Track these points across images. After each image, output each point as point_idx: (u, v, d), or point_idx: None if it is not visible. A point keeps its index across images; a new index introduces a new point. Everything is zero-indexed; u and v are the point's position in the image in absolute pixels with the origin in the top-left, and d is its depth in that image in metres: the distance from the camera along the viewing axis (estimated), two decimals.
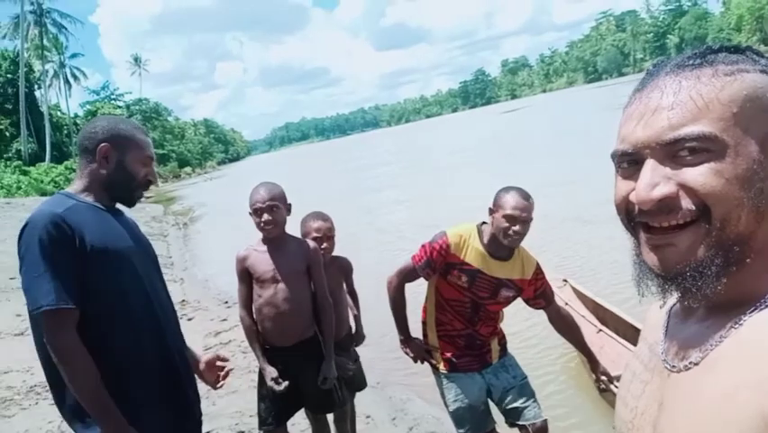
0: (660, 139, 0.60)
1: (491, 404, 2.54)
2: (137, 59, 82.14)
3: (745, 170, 0.58)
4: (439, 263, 2.41)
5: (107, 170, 1.75)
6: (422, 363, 2.60)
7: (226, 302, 7.33)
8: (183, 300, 7.75)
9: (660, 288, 0.64)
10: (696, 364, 0.62)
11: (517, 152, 21.60)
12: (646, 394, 0.70)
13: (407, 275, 2.51)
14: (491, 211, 2.34)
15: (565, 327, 2.57)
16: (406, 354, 2.61)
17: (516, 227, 2.25)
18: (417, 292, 2.75)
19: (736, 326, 0.60)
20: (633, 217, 0.64)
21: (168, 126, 77.24)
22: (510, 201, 2.26)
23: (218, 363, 2.03)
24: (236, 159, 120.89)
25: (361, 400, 4.13)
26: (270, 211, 2.44)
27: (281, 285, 2.49)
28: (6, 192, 25.09)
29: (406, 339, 2.60)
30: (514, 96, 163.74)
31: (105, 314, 1.66)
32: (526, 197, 2.28)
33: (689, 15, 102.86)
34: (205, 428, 2.38)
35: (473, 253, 2.37)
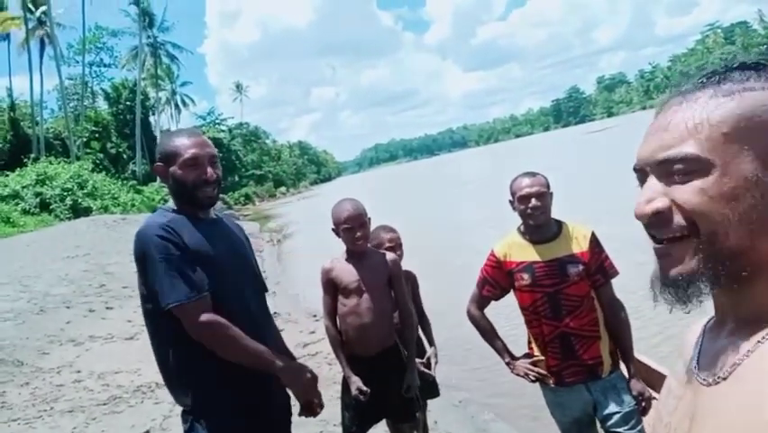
0: (653, 158, 0.66)
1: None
2: (239, 86, 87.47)
3: (732, 188, 0.61)
4: (498, 278, 2.47)
5: (169, 185, 1.91)
6: (534, 380, 2.47)
7: (315, 315, 7.59)
8: (275, 312, 8.05)
9: (660, 293, 0.68)
10: (724, 379, 0.64)
11: (598, 173, 20.66)
12: (679, 409, 0.71)
13: (477, 300, 2.57)
14: (511, 203, 2.44)
15: (614, 317, 2.38)
16: (517, 375, 2.53)
17: (532, 203, 2.32)
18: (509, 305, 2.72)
19: (763, 340, 0.62)
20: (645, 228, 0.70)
21: (265, 148, 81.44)
22: (518, 184, 2.38)
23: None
24: (327, 179, 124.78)
25: (443, 418, 4.13)
26: (362, 227, 2.57)
27: (365, 296, 2.58)
28: (122, 209, 27.46)
29: (510, 360, 2.53)
30: (610, 114, 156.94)
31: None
32: (532, 174, 2.40)
33: None
34: None
35: (519, 249, 2.42)
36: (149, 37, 49.36)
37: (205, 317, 1.74)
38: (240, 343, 1.76)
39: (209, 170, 1.88)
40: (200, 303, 1.74)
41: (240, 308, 1.87)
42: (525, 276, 2.38)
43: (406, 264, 3.21)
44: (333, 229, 2.64)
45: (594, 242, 2.38)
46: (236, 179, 60.97)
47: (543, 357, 2.43)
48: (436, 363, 3.10)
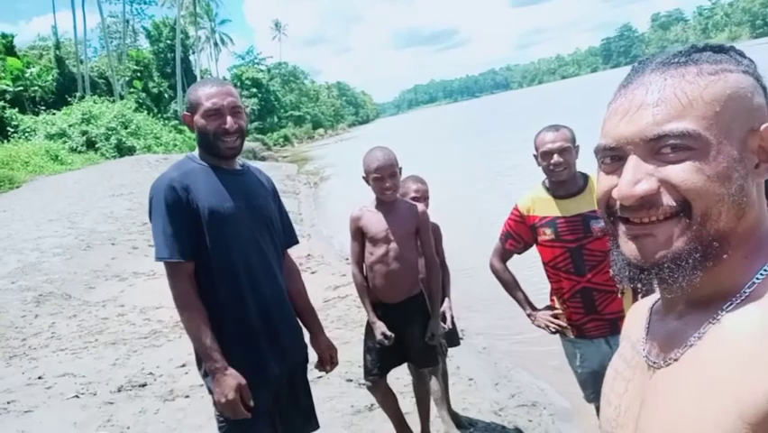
0: (644, 135, 0.61)
1: None
2: (277, 25, 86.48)
3: (725, 168, 0.59)
4: (521, 232, 2.47)
5: (195, 133, 1.95)
6: (554, 332, 2.51)
7: (347, 259, 7.71)
8: (308, 255, 8.28)
9: (636, 279, 0.64)
10: (676, 360, 0.63)
11: None
12: (629, 392, 0.70)
13: (500, 253, 2.60)
14: (535, 158, 2.40)
15: None
16: (538, 326, 2.57)
17: (554, 158, 2.30)
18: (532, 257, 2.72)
19: (714, 321, 0.61)
20: (613, 212, 0.65)
21: (304, 89, 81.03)
22: (541, 139, 2.35)
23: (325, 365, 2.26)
24: (366, 121, 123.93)
25: (466, 363, 4.22)
26: (392, 177, 2.57)
27: (393, 244, 2.62)
28: (165, 148, 28.06)
29: (531, 312, 2.57)
30: None
31: (209, 266, 1.88)
32: (555, 128, 2.35)
33: None
34: (317, 374, 2.62)
35: (543, 204, 2.41)
36: None
37: (180, 284, 1.83)
38: (193, 323, 1.82)
39: (229, 119, 1.89)
40: (180, 267, 1.83)
41: (245, 259, 1.92)
42: (548, 231, 2.38)
43: (431, 216, 3.22)
44: (363, 177, 2.66)
45: None
46: (275, 120, 61.17)
47: (563, 310, 2.45)
48: (451, 315, 3.15)
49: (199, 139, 1.94)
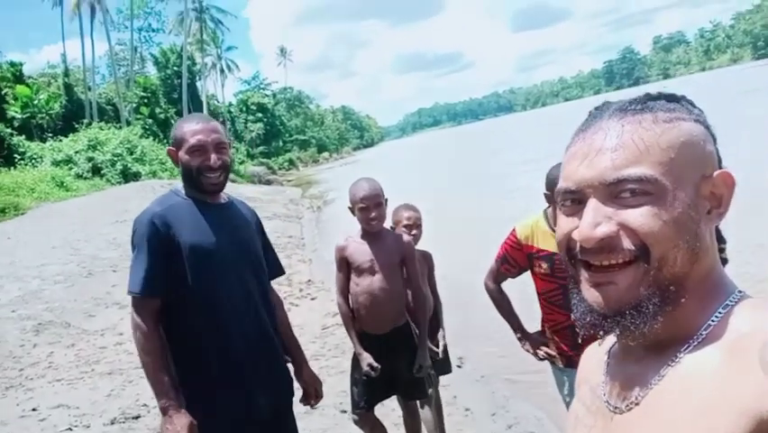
0: (603, 179, 0.62)
1: None
2: (283, 51, 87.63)
3: (681, 213, 0.61)
4: (517, 258, 2.43)
5: (180, 168, 1.97)
6: (541, 359, 2.52)
7: None
8: (309, 280, 8.26)
9: (599, 326, 0.64)
10: (637, 404, 0.63)
11: None
12: None
13: (495, 275, 2.56)
14: (546, 196, 2.32)
15: None
16: (527, 351, 2.57)
17: None
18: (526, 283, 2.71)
19: (673, 363, 0.62)
20: (574, 255, 0.66)
21: (309, 113, 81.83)
22: (556, 178, 2.21)
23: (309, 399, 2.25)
24: (370, 144, 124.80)
25: (463, 393, 4.17)
26: (377, 207, 2.57)
27: (378, 275, 2.61)
28: (170, 174, 28.26)
29: (522, 336, 2.56)
30: (666, 76, 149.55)
31: (192, 301, 1.88)
32: None
33: None
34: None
35: (543, 237, 2.35)
36: (194, 1, 49.75)
37: (142, 320, 1.84)
38: (149, 359, 1.83)
39: (213, 156, 1.91)
40: (146, 302, 1.85)
41: (227, 296, 1.92)
42: (545, 265, 2.36)
43: (425, 243, 3.21)
44: (349, 208, 2.67)
45: None
46: (280, 144, 61.67)
47: (553, 340, 2.45)
48: (444, 344, 3.12)
49: (183, 174, 1.96)
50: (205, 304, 1.89)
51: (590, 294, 0.65)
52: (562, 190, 0.67)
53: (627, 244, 0.61)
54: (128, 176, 25.00)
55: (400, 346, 2.68)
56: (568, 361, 2.41)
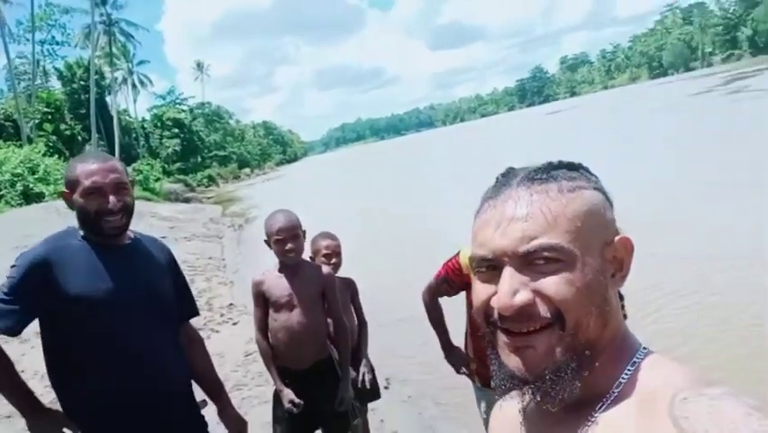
0: (516, 249, 0.64)
1: None
2: (199, 65, 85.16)
3: (592, 279, 0.64)
4: (456, 281, 2.43)
5: (76, 212, 1.81)
6: (461, 373, 2.61)
7: None
8: (231, 304, 7.97)
9: (520, 391, 0.66)
10: None
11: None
12: None
13: (433, 291, 2.57)
14: None
15: None
16: (449, 363, 2.65)
17: None
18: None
19: (590, 423, 0.64)
20: (492, 322, 0.67)
21: (229, 129, 79.89)
22: None
23: None
24: (294, 160, 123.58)
25: (390, 416, 4.14)
26: (294, 239, 2.50)
27: (297, 310, 2.54)
28: None
29: (447, 350, 2.63)
30: (573, 94, 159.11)
31: (82, 357, 1.73)
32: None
33: (763, 6, 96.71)
34: None
35: None
36: (102, 15, 47.44)
37: None
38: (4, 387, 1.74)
39: (112, 198, 1.75)
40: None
41: (122, 348, 1.77)
42: None
43: (348, 268, 3.17)
44: (265, 241, 2.58)
45: None
46: (199, 160, 59.70)
47: (474, 358, 2.52)
48: (371, 373, 3.11)
49: (79, 218, 1.80)
50: (97, 359, 1.73)
51: (511, 360, 0.66)
52: (478, 257, 0.68)
53: (544, 311, 0.63)
54: (30, 197, 23.21)
55: (323, 381, 2.61)
56: (485, 382, 2.49)
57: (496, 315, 0.66)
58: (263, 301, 2.60)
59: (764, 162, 10.62)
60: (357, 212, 16.07)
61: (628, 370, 0.65)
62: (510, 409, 0.76)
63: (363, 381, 3.03)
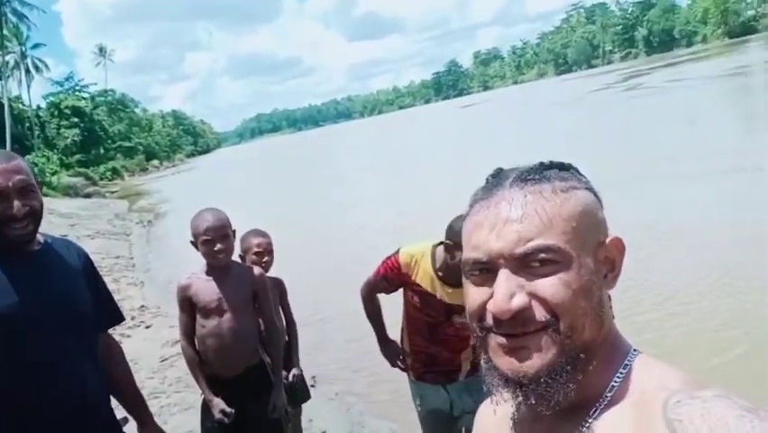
0: (512, 251, 0.63)
1: None
2: (102, 50, 79.80)
3: (588, 281, 0.63)
4: (395, 280, 2.42)
5: None
6: (396, 367, 2.63)
7: None
8: (142, 306, 7.55)
9: (513, 394, 0.64)
10: None
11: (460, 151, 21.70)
12: None
13: (372, 287, 2.54)
14: (447, 247, 2.20)
15: None
16: (384, 356, 2.66)
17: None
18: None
19: (584, 429, 0.63)
20: (485, 325, 0.65)
21: (135, 118, 75.64)
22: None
23: None
24: (206, 151, 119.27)
25: (318, 414, 4.07)
26: (223, 239, 2.36)
27: (227, 315, 2.41)
28: None
29: (383, 344, 2.63)
30: (486, 88, 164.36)
31: None
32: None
33: (657, 8, 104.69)
34: None
35: (423, 274, 2.33)
36: None
37: None
38: None
39: (17, 203, 1.55)
40: None
41: (38, 361, 1.61)
42: (416, 299, 2.38)
43: (278, 268, 3.06)
44: (191, 242, 2.42)
45: None
46: (101, 151, 56.03)
47: (408, 354, 2.54)
48: (301, 374, 3.08)
49: None
50: (7, 376, 1.55)
51: (504, 361, 0.64)
52: (472, 261, 0.66)
53: (540, 314, 0.62)
54: None
55: (254, 387, 2.49)
56: (419, 376, 2.52)
57: (490, 319, 0.64)
58: (190, 307, 2.44)
59: (657, 156, 11.45)
60: (279, 203, 15.73)
61: (620, 373, 0.65)
62: (500, 411, 0.72)
63: (294, 382, 2.96)
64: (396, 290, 2.49)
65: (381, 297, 2.60)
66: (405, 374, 2.62)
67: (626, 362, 0.66)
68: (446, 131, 36.27)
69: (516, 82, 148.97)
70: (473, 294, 0.67)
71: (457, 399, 2.46)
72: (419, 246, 2.38)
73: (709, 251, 5.93)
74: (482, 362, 0.68)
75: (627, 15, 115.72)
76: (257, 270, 2.57)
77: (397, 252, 2.39)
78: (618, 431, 0.60)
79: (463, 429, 2.51)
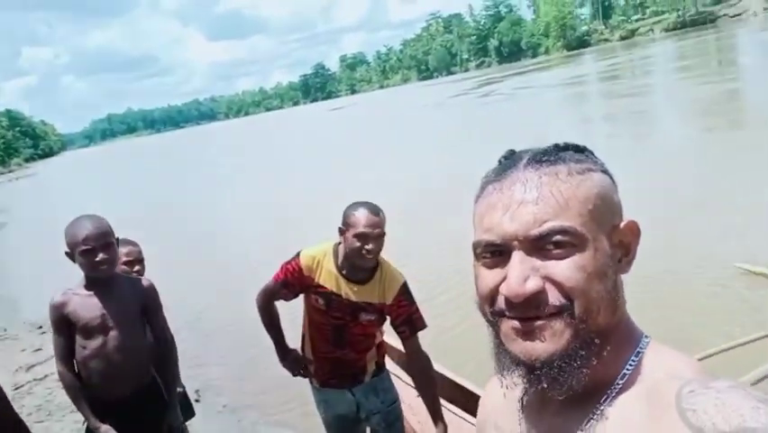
0: (527, 233, 0.62)
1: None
2: None
3: (603, 265, 0.62)
4: (296, 284, 2.32)
5: None
6: (296, 375, 2.50)
7: (40, 327, 6.39)
8: None
9: (526, 378, 0.63)
10: None
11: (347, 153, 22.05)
12: None
13: (270, 293, 2.41)
14: (342, 231, 2.21)
15: (418, 372, 2.34)
16: (285, 368, 2.52)
17: (369, 246, 2.14)
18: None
19: (595, 417, 0.62)
20: (497, 309, 0.64)
21: None
22: (361, 219, 2.14)
23: None
24: (49, 155, 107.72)
25: (208, 429, 3.85)
26: (106, 249, 2.14)
27: (112, 332, 2.19)
28: None
29: (283, 353, 2.50)
30: (353, 92, 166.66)
31: None
32: (376, 211, 2.19)
33: (506, 21, 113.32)
34: None
35: (327, 275, 2.27)
36: None
37: None
38: None
39: None
40: None
41: None
42: (321, 301, 2.28)
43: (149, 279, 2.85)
44: (67, 253, 2.17)
45: (403, 294, 2.27)
46: None
47: (312, 361, 2.44)
48: (183, 390, 2.89)
49: None
50: None
51: (518, 346, 0.63)
52: (484, 243, 0.65)
53: (554, 298, 0.61)
54: None
55: (146, 408, 2.30)
56: (323, 382, 2.46)
57: (502, 303, 0.63)
58: (67, 327, 2.18)
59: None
60: (132, 212, 14.63)
61: (633, 360, 0.64)
62: (509, 394, 0.71)
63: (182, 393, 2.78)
64: (296, 296, 2.39)
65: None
66: (298, 378, 2.53)
67: (638, 349, 0.65)
68: (318, 133, 36.25)
69: (382, 86, 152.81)
70: (485, 277, 0.65)
71: (364, 400, 2.42)
72: (320, 247, 2.32)
73: None
74: (492, 346, 0.67)
75: (480, 27, 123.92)
76: (146, 280, 2.38)
77: (298, 255, 2.30)
78: (630, 419, 0.60)
79: (368, 430, 2.50)
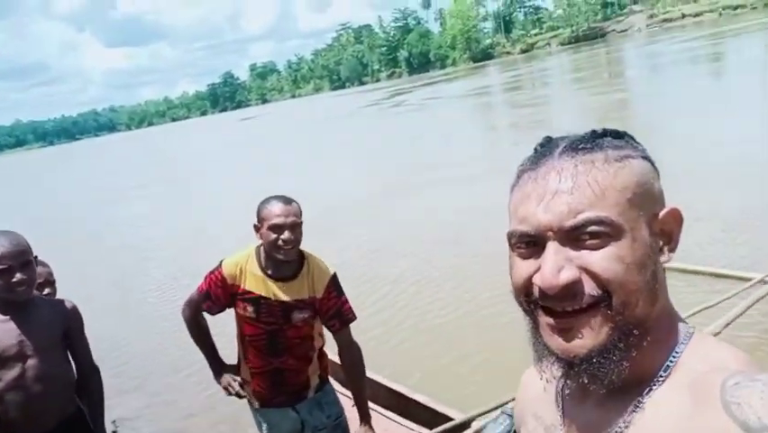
0: (562, 224, 0.60)
1: None
2: None
3: (642, 255, 0.60)
4: (220, 295, 2.26)
5: None
6: (233, 395, 2.39)
7: None
8: None
9: (566, 374, 0.63)
10: None
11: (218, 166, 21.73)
12: None
13: (195, 305, 2.33)
14: (257, 228, 2.19)
15: (350, 364, 2.35)
16: (222, 386, 2.41)
17: (285, 235, 2.11)
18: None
19: (637, 409, 0.62)
20: (533, 301, 0.64)
21: None
22: (273, 210, 2.14)
23: None
24: None
25: None
26: (23, 268, 2.00)
27: (31, 361, 2.05)
28: None
29: (217, 371, 2.39)
30: (265, 101, 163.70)
31: None
32: (288, 201, 2.18)
33: (414, 33, 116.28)
34: None
35: (252, 278, 2.21)
36: None
37: None
38: None
39: None
40: None
41: None
42: (250, 309, 2.22)
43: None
44: None
45: (332, 286, 2.26)
46: None
47: (250, 381, 2.37)
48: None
49: None
50: None
51: (555, 341, 0.62)
52: (518, 233, 0.63)
53: (590, 289, 0.59)
54: None
55: None
56: (263, 402, 2.38)
57: (537, 293, 0.62)
58: None
59: (420, 165, 12.69)
60: (40, 228, 13.57)
61: (676, 352, 0.63)
62: (545, 383, 0.71)
63: None
64: (222, 309, 2.33)
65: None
66: (230, 397, 2.43)
67: (681, 340, 0.64)
68: (227, 143, 35.31)
69: (293, 96, 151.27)
70: (519, 267, 0.64)
71: (308, 417, 2.36)
72: (242, 252, 2.28)
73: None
74: (530, 335, 0.66)
75: (390, 38, 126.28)
76: (68, 302, 2.25)
77: (220, 264, 2.26)
78: (673, 412, 0.58)
79: None
